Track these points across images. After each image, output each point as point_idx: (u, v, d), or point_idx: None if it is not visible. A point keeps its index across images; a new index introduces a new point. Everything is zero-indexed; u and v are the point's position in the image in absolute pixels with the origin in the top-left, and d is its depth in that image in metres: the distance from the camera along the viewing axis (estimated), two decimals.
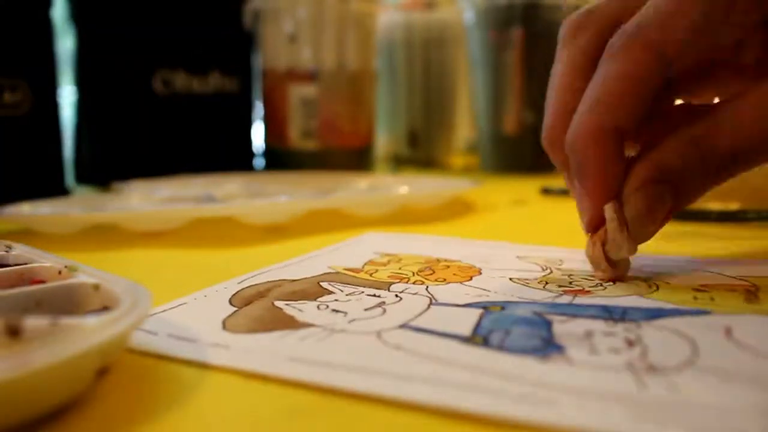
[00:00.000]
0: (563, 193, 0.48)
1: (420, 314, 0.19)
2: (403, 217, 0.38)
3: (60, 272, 0.19)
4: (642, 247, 0.22)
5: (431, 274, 0.24)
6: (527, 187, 0.51)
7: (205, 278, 0.25)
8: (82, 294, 0.18)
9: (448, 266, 0.25)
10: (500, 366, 0.15)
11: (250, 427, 0.13)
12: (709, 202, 0.34)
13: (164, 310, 0.20)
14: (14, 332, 0.14)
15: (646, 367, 0.15)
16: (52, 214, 0.35)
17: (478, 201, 0.44)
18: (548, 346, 0.16)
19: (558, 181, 0.53)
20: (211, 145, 0.60)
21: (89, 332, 0.14)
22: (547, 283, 0.23)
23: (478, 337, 0.17)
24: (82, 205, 0.40)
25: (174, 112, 0.57)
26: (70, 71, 0.56)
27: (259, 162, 0.64)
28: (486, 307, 0.19)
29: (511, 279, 0.23)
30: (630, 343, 0.16)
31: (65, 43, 0.54)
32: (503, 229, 0.36)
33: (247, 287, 0.22)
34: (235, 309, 0.20)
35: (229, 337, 0.17)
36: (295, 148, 0.60)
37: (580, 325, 0.18)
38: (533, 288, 0.22)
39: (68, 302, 0.18)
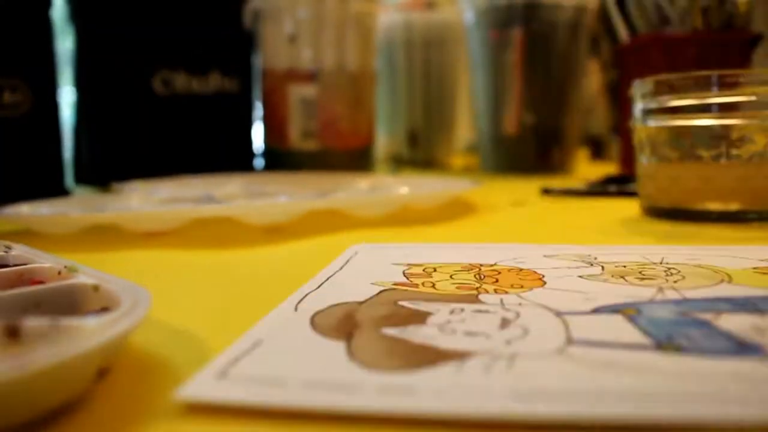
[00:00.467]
0: (563, 193, 0.48)
1: (568, 327, 0.17)
2: (403, 217, 0.38)
3: (60, 273, 0.19)
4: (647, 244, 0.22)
5: (495, 282, 0.22)
6: (528, 187, 0.51)
7: (205, 278, 0.25)
8: (82, 295, 0.18)
9: (499, 271, 0.23)
10: (717, 370, 0.14)
11: (255, 424, 0.13)
12: (710, 203, 0.34)
13: (238, 357, 0.15)
14: (14, 333, 0.14)
15: None
16: (51, 214, 0.35)
17: (478, 201, 0.44)
18: (739, 346, 0.16)
19: (558, 182, 0.53)
20: (211, 145, 0.60)
21: (89, 333, 0.14)
22: (625, 276, 0.22)
23: (670, 345, 0.16)
24: (81, 206, 0.40)
25: (174, 112, 0.57)
26: (70, 71, 0.56)
27: (259, 162, 0.64)
28: (618, 311, 0.18)
29: (580, 277, 0.22)
30: None
31: (65, 43, 0.54)
32: (504, 230, 0.36)
33: (314, 314, 0.18)
34: (331, 341, 0.16)
35: (370, 376, 0.14)
36: (295, 149, 0.60)
37: (736, 320, 0.17)
38: (632, 285, 0.21)
39: (68, 303, 0.18)
